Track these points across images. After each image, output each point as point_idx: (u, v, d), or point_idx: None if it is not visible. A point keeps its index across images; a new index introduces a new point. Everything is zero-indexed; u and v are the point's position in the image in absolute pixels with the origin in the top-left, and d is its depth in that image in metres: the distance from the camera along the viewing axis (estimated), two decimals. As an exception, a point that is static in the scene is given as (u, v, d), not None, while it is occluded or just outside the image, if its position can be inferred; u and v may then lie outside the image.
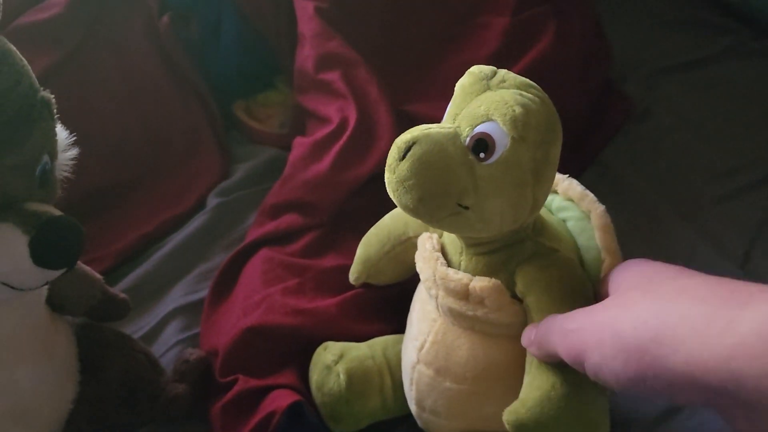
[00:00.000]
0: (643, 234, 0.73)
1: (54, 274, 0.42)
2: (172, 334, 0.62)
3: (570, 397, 0.39)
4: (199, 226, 0.71)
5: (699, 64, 0.91)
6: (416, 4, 0.81)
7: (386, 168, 0.40)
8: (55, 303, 0.52)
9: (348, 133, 0.68)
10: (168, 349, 0.61)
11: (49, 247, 0.40)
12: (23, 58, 0.42)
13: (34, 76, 0.43)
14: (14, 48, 0.41)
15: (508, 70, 0.73)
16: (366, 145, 0.68)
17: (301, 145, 0.70)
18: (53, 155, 0.44)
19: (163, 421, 0.56)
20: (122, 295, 0.56)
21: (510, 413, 0.40)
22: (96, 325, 0.56)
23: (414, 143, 0.38)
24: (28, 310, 0.46)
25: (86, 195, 0.69)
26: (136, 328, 0.63)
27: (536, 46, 0.76)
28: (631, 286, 0.38)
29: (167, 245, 0.69)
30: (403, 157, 0.38)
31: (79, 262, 0.53)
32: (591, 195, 0.47)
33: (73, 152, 0.47)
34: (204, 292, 0.65)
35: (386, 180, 0.40)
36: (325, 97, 0.72)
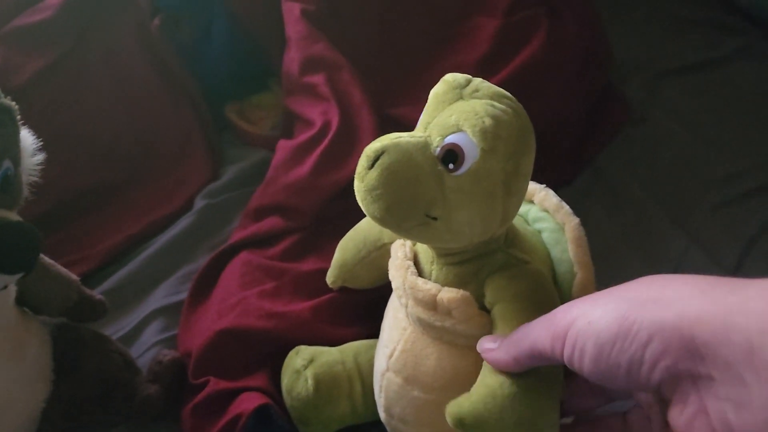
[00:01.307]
0: (634, 239, 0.72)
1: (10, 278, 0.43)
2: (152, 334, 0.63)
3: (517, 398, 0.38)
4: (185, 227, 0.72)
5: (705, 66, 0.89)
6: (408, 6, 0.80)
7: (356, 176, 0.40)
8: (31, 304, 0.53)
9: (330, 137, 0.68)
10: (147, 349, 0.62)
11: (4, 251, 0.41)
12: (-15, 66, 0.43)
13: (-5, 83, 0.43)
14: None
15: (499, 72, 0.74)
16: (347, 149, 0.68)
17: (283, 148, 0.71)
18: (17, 161, 0.45)
19: (138, 421, 0.57)
20: (99, 297, 0.57)
21: (453, 405, 0.39)
22: (73, 326, 0.56)
23: (383, 152, 0.38)
24: (-5, 310, 0.47)
25: (75, 195, 0.71)
26: (118, 327, 0.64)
27: (527, 48, 0.75)
28: None
29: (153, 246, 0.70)
30: (372, 165, 0.38)
31: (55, 264, 0.54)
32: (566, 207, 0.46)
33: (40, 157, 0.48)
34: (186, 294, 0.65)
35: (355, 188, 0.40)
36: (310, 100, 0.73)
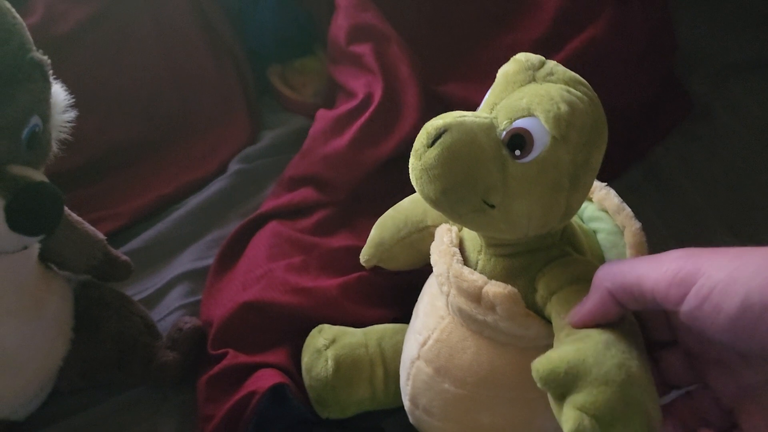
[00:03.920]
0: (684, 242, 0.68)
1: (31, 239, 0.42)
2: (175, 298, 0.62)
3: (611, 341, 0.33)
4: (217, 191, 0.70)
5: (775, 63, 0.84)
6: (466, -23, 0.76)
7: (412, 153, 0.38)
8: (55, 260, 0.53)
9: (371, 110, 0.65)
10: (169, 313, 0.61)
11: (25, 213, 0.40)
12: (17, 16, 0.41)
13: (27, 35, 0.42)
14: (7, 6, 0.41)
15: (556, 54, 0.70)
16: (389, 124, 0.66)
17: (323, 118, 0.69)
18: (46, 117, 0.44)
19: (154, 385, 0.57)
20: (124, 258, 0.56)
21: (539, 361, 0.34)
22: (96, 284, 0.56)
23: (445, 130, 0.36)
24: (15, 268, 0.47)
25: (109, 150, 0.70)
26: (142, 288, 0.64)
27: (588, 31, 0.71)
28: None
29: (183, 208, 0.69)
30: (432, 143, 0.36)
31: (82, 222, 0.54)
32: (628, 209, 0.44)
33: (72, 114, 0.47)
34: (213, 259, 0.64)
35: (410, 165, 0.38)
36: (354, 70, 0.70)
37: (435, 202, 0.37)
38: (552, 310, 0.38)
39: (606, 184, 0.45)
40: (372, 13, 0.71)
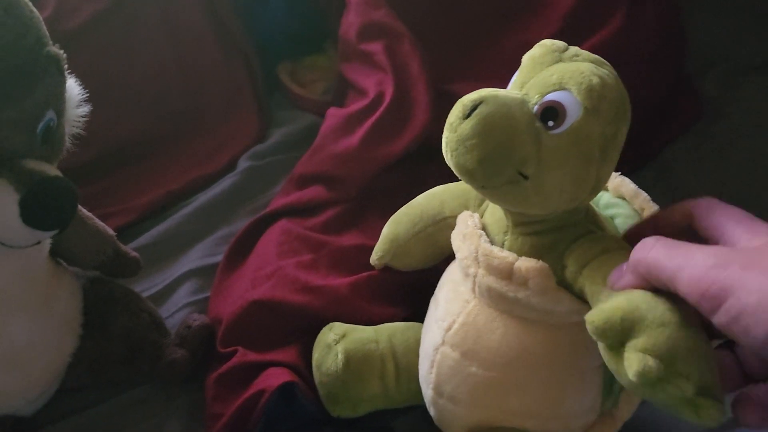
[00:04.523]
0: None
1: (44, 234, 0.41)
2: (183, 295, 0.62)
3: (661, 297, 0.34)
4: (227, 188, 0.70)
5: (790, 65, 0.83)
6: (477, -25, 0.76)
7: (446, 127, 0.38)
8: (65, 256, 0.53)
9: (382, 109, 0.65)
10: (177, 309, 0.61)
11: (40, 207, 0.40)
12: (34, 10, 0.41)
13: (44, 29, 0.42)
14: (26, -1, 0.40)
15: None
16: (400, 122, 0.65)
17: (334, 116, 0.68)
18: (60, 112, 0.44)
19: (162, 383, 0.56)
20: (133, 254, 0.56)
21: (593, 314, 0.35)
22: (105, 280, 0.56)
23: (481, 102, 0.37)
24: (27, 263, 0.46)
25: (119, 146, 0.70)
26: (151, 284, 0.63)
27: (602, 30, 0.71)
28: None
29: (192, 204, 0.69)
30: (468, 115, 0.37)
31: (92, 217, 0.53)
32: (644, 194, 0.45)
33: (85, 109, 0.46)
34: (222, 256, 0.64)
35: (444, 139, 0.38)
36: (365, 68, 0.70)
37: (470, 173, 0.38)
38: (585, 280, 0.39)
39: (620, 173, 0.46)
40: (384, 11, 0.70)
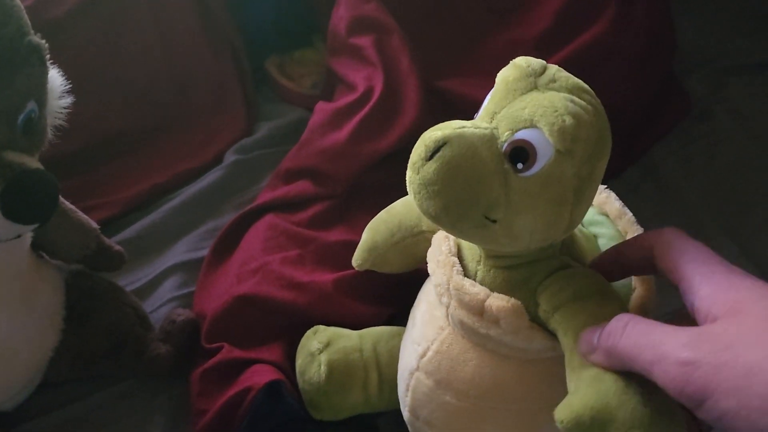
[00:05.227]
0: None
1: (25, 228, 0.41)
2: (168, 289, 0.61)
3: (630, 381, 0.33)
4: (213, 181, 0.69)
5: (777, 66, 0.83)
6: (467, -28, 0.75)
7: (409, 165, 0.35)
8: (47, 249, 0.52)
9: (371, 103, 0.65)
10: (162, 304, 0.60)
11: (20, 200, 0.39)
12: (15, 1, 0.40)
13: (25, 17, 0.41)
14: (5, -11, 0.39)
15: (557, 52, 0.70)
16: (389, 118, 0.65)
17: (322, 110, 0.68)
18: (42, 103, 0.43)
19: (147, 377, 0.56)
20: (117, 248, 0.56)
21: (560, 410, 0.34)
22: (88, 274, 0.55)
23: (445, 143, 0.34)
24: (7, 257, 0.46)
25: (104, 138, 0.69)
26: (135, 278, 0.63)
27: (592, 28, 0.71)
28: (732, 306, 0.31)
29: (178, 198, 0.68)
30: (431, 157, 0.34)
31: (75, 210, 0.53)
32: (629, 214, 0.43)
33: (68, 100, 0.46)
34: (207, 251, 0.63)
35: (408, 179, 0.36)
36: (354, 62, 0.69)
37: (435, 218, 0.36)
38: (558, 327, 0.37)
39: (606, 186, 0.44)
40: (374, 5, 0.70)
